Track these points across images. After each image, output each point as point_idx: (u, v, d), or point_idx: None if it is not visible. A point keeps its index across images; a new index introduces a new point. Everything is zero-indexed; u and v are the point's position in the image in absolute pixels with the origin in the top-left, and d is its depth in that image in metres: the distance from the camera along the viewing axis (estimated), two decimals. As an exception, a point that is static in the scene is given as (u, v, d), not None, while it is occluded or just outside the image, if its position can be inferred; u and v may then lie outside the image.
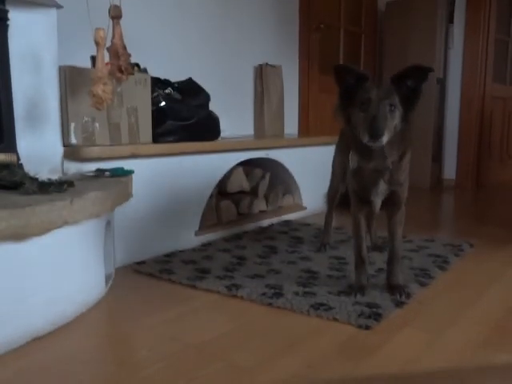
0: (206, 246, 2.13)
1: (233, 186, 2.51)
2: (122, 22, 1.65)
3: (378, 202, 1.54)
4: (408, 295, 1.51)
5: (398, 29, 4.11)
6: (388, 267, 1.59)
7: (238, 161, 2.39)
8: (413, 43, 3.99)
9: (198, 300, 1.54)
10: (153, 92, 2.03)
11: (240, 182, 2.55)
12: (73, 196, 1.30)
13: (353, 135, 1.42)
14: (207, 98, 2.29)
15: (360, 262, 1.60)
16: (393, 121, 1.34)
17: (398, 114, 1.35)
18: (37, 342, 1.24)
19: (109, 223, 1.63)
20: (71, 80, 1.75)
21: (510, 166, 4.55)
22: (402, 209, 1.58)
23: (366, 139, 1.31)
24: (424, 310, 1.46)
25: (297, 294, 1.53)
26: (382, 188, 1.50)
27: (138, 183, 1.82)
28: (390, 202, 1.54)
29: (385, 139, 1.31)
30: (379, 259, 1.89)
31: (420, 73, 1.38)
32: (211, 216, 2.33)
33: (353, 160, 1.50)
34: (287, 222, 2.62)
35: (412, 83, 1.37)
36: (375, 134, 1.29)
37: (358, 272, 1.60)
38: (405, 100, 1.37)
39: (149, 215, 1.96)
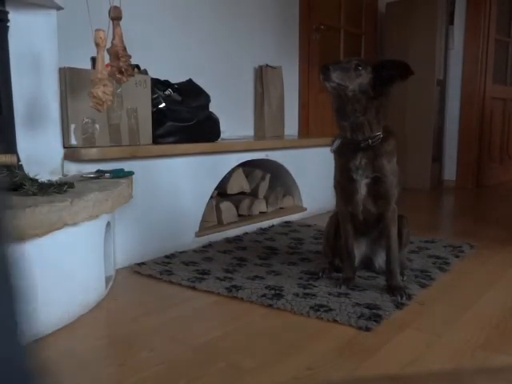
0: (206, 247, 2.13)
1: (233, 187, 2.51)
2: (122, 23, 1.65)
3: (360, 183, 1.52)
4: (408, 296, 1.51)
5: (398, 30, 4.11)
6: (387, 268, 1.59)
7: (238, 162, 2.39)
8: (413, 44, 4.00)
9: (198, 301, 1.54)
10: (153, 93, 2.03)
11: (240, 183, 2.56)
12: (73, 197, 1.30)
13: (335, 108, 1.52)
14: (207, 99, 2.29)
15: (347, 255, 1.64)
16: (355, 76, 1.43)
17: (364, 74, 1.44)
18: (37, 343, 1.24)
19: (109, 224, 1.63)
20: (71, 81, 1.75)
21: (511, 166, 4.55)
22: (393, 206, 1.57)
23: (320, 78, 1.43)
24: (424, 311, 1.45)
25: (297, 295, 1.53)
26: (362, 162, 1.50)
27: (138, 184, 1.82)
28: (377, 194, 1.54)
29: (334, 77, 1.40)
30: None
31: (404, 71, 1.45)
32: (211, 217, 2.33)
33: (335, 143, 1.58)
34: (287, 223, 2.62)
35: (392, 74, 1.45)
36: (323, 69, 1.41)
37: (344, 265, 1.66)
38: (383, 81, 1.46)
39: (149, 216, 1.96)
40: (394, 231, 1.59)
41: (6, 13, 1.52)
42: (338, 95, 1.47)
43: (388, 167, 1.52)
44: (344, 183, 1.57)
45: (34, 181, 1.37)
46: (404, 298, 1.50)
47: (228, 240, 2.25)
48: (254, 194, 2.64)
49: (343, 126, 1.51)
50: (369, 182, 1.53)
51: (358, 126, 1.49)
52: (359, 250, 1.72)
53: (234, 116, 2.98)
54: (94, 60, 1.75)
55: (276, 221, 2.63)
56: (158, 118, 2.04)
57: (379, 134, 1.51)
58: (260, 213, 2.64)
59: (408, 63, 1.45)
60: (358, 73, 1.44)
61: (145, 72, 2.11)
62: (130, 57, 1.66)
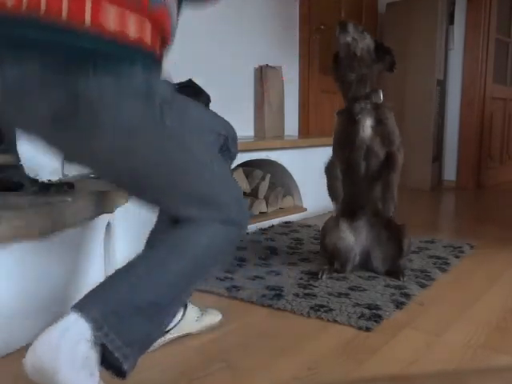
0: (206, 247, 2.12)
1: (233, 188, 2.51)
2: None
3: (364, 124, 1.62)
4: (408, 296, 1.51)
5: (398, 30, 4.11)
6: (383, 199, 1.66)
7: (238, 162, 2.39)
8: (413, 44, 3.99)
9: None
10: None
11: (240, 183, 2.55)
12: (73, 197, 1.30)
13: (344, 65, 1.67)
14: (207, 99, 2.29)
15: (337, 204, 1.71)
16: (364, 37, 1.62)
17: (369, 39, 1.64)
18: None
19: (109, 224, 1.63)
20: (71, 81, 1.74)
21: (511, 166, 4.55)
22: (398, 147, 1.67)
23: (336, 33, 1.61)
24: (424, 311, 1.45)
25: (297, 295, 1.53)
26: (366, 106, 1.63)
27: (138, 184, 1.82)
28: (382, 135, 1.63)
29: (350, 29, 1.59)
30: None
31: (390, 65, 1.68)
32: (211, 217, 2.32)
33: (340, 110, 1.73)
34: (287, 224, 2.62)
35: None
36: (341, 23, 1.60)
37: (333, 231, 1.73)
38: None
39: (149, 216, 1.95)
40: (396, 173, 1.66)
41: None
42: (348, 53, 1.61)
43: (389, 115, 1.65)
44: (347, 129, 1.66)
45: (34, 181, 1.37)
46: (403, 278, 1.64)
47: (228, 240, 2.25)
48: (254, 194, 2.64)
49: (350, 78, 1.64)
50: (373, 124, 1.62)
51: (364, 78, 1.63)
52: (358, 240, 1.72)
53: (234, 116, 2.97)
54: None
55: (276, 221, 2.63)
56: (158, 118, 2.03)
57: (380, 90, 1.65)
58: (260, 213, 2.64)
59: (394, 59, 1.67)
60: (365, 36, 1.62)
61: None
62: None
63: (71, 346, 0.79)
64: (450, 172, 4.21)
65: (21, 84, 0.80)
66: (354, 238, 1.71)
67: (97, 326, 0.81)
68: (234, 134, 1.23)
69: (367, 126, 1.63)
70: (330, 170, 1.70)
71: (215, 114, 1.24)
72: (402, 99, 4.06)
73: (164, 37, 0.88)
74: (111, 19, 0.78)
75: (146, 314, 0.89)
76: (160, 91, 0.86)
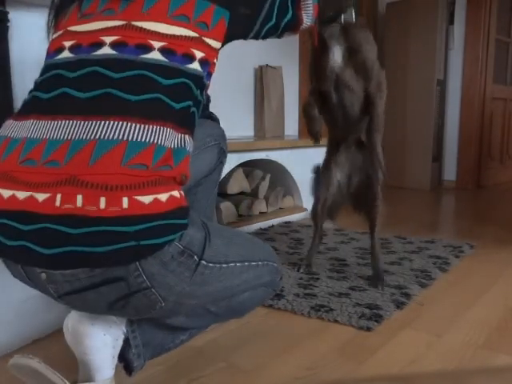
0: (206, 247, 2.12)
1: (233, 188, 2.51)
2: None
3: (333, 50, 1.45)
4: (408, 296, 1.52)
5: (398, 30, 4.11)
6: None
7: (238, 162, 2.39)
8: (413, 44, 4.00)
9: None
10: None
11: (240, 183, 2.56)
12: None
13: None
14: (207, 99, 2.28)
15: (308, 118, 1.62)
16: None
17: None
18: (37, 343, 1.24)
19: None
20: (71, 81, 1.74)
21: (511, 166, 4.55)
22: (379, 81, 1.49)
23: None
24: (424, 311, 1.46)
25: (297, 295, 1.53)
26: (335, 29, 1.45)
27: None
28: (356, 66, 1.46)
29: None
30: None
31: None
32: (211, 217, 2.33)
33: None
34: (287, 224, 2.62)
35: None
36: None
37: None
38: None
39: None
40: (377, 132, 1.51)
41: (6, 13, 1.52)
42: None
43: (363, 39, 1.47)
44: (319, 55, 1.49)
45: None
46: (380, 288, 1.57)
47: (228, 240, 2.25)
48: (253, 194, 2.64)
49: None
50: (343, 51, 1.45)
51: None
52: (343, 168, 1.82)
53: (234, 116, 2.98)
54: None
55: (276, 221, 2.63)
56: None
57: (352, 8, 1.46)
58: (260, 213, 2.64)
59: None
60: None
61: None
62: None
63: (106, 324, 0.90)
64: (450, 172, 4.21)
65: (71, 289, 0.79)
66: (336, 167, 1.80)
67: (130, 320, 0.93)
68: (224, 134, 1.34)
69: (337, 52, 1.45)
70: (306, 103, 1.59)
71: (209, 122, 1.29)
72: (403, 99, 4.06)
73: (186, 177, 0.83)
74: (146, 199, 0.74)
75: (171, 330, 1.01)
76: (196, 244, 0.83)
